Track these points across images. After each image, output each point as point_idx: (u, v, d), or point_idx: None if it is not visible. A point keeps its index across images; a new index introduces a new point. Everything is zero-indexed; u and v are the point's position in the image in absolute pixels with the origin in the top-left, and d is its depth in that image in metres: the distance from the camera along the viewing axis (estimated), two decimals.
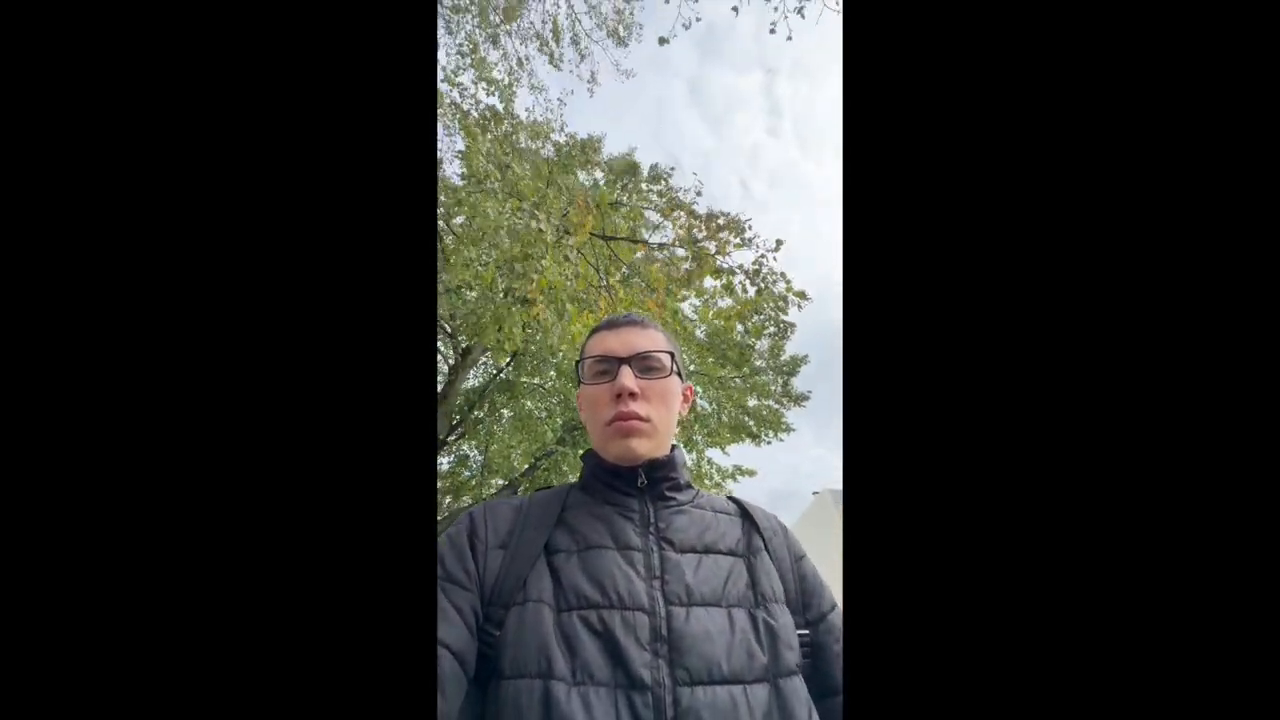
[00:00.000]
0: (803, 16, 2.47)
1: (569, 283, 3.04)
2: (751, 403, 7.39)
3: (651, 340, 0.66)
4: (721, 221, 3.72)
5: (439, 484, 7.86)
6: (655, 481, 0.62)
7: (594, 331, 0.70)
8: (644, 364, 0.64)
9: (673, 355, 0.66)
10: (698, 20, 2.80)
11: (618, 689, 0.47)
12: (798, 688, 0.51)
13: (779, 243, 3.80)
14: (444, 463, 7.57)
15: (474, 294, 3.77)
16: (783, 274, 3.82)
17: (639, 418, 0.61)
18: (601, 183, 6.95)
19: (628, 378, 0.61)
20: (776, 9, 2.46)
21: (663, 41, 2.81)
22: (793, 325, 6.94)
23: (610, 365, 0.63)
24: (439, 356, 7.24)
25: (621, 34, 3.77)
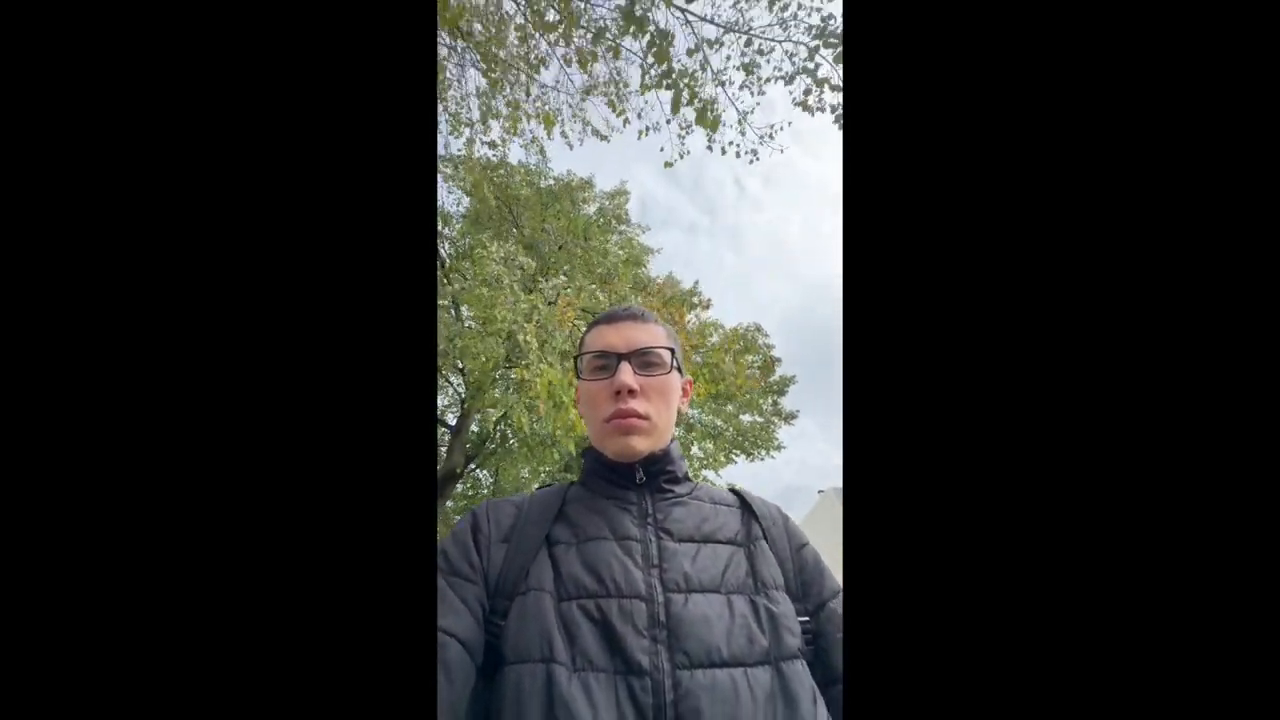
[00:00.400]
0: (758, 158, 2.84)
1: (562, 376, 3.71)
2: (746, 419, 8.08)
3: (651, 335, 0.66)
4: (685, 291, 4.43)
5: (454, 506, 8.59)
6: (653, 475, 0.63)
7: (593, 325, 0.69)
8: (643, 360, 0.64)
9: (672, 351, 0.66)
10: (689, 153, 3.02)
11: (616, 675, 0.48)
12: (800, 671, 0.51)
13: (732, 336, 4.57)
14: (459, 488, 8.30)
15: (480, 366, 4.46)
16: (735, 352, 4.56)
17: (638, 415, 0.61)
18: (593, 215, 7.64)
19: (627, 374, 0.62)
20: (739, 149, 2.90)
21: (667, 165, 3.04)
22: (779, 360, 7.63)
23: (609, 361, 0.64)
24: (453, 390, 7.96)
25: (605, 133, 4.36)
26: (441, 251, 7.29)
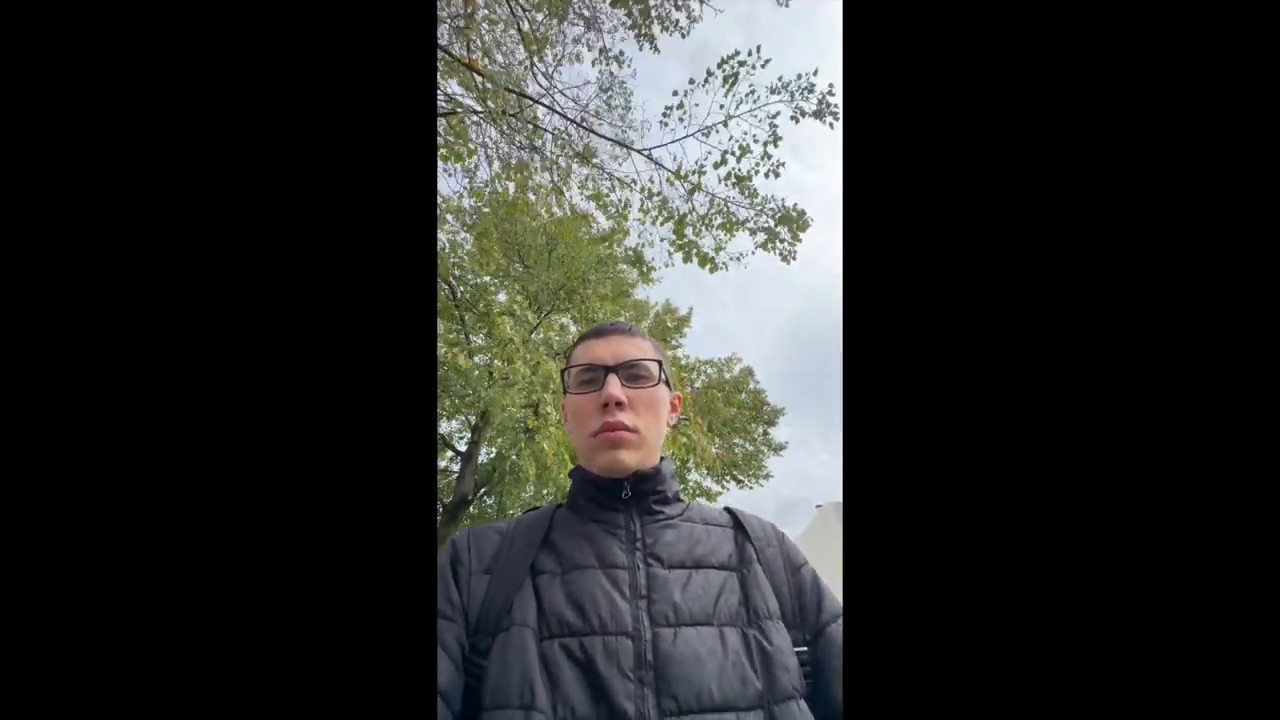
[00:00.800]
0: (728, 269, 3.73)
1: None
2: (738, 445, 8.83)
3: (639, 348, 0.67)
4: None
5: (463, 526, 9.28)
6: (642, 494, 0.63)
7: (580, 340, 0.70)
8: (631, 372, 0.65)
9: (660, 364, 0.67)
10: (672, 265, 3.95)
11: None
12: (795, 714, 0.49)
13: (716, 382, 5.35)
14: (472, 511, 9.03)
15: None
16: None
17: (626, 428, 0.62)
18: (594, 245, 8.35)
19: (615, 387, 0.62)
20: (714, 262, 3.78)
21: (651, 270, 3.94)
22: (767, 401, 8.40)
23: (597, 374, 0.64)
24: (463, 420, 8.66)
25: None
26: (453, 286, 8.00)
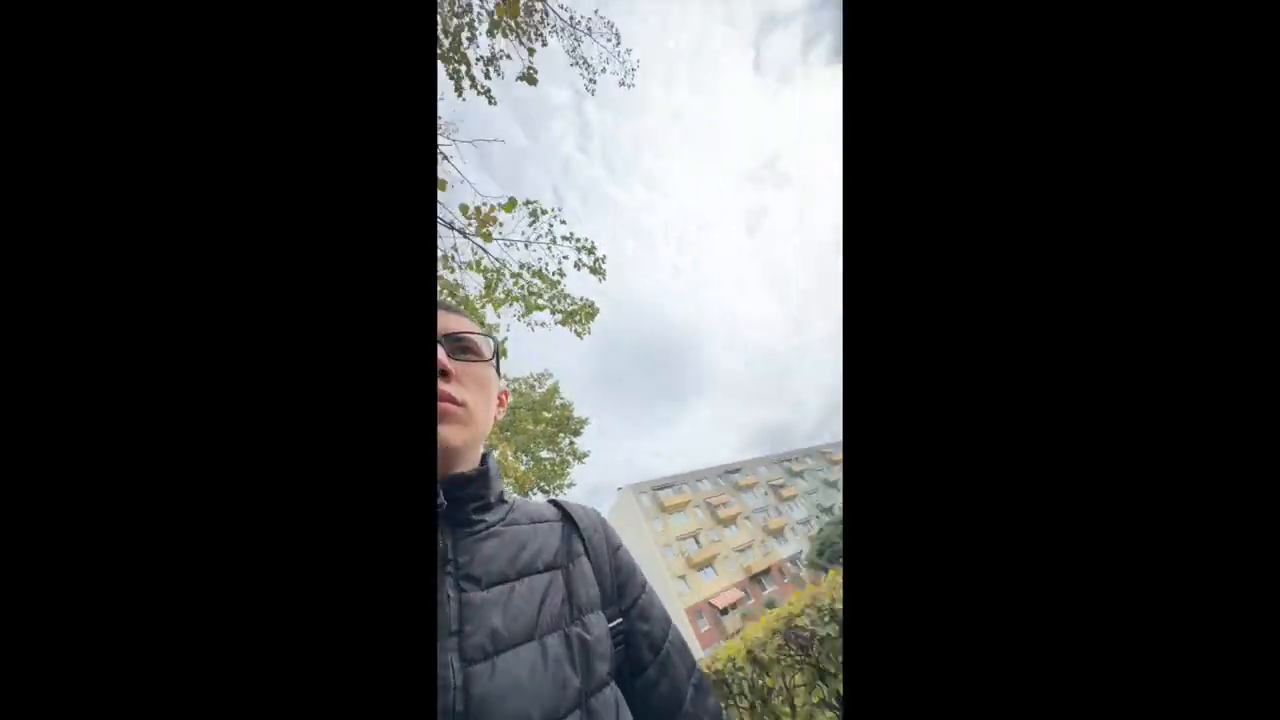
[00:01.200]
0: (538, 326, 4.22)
1: None
2: (545, 458, 9.29)
3: (466, 325, 0.62)
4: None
5: None
6: (459, 501, 0.54)
7: None
8: (459, 345, 0.59)
9: (495, 343, 0.64)
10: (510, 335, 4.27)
11: None
12: (607, 699, 0.50)
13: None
14: None
15: None
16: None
17: (454, 400, 0.54)
18: None
19: (440, 355, 0.54)
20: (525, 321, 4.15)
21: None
22: (573, 414, 9.04)
23: None
24: None
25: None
26: None
